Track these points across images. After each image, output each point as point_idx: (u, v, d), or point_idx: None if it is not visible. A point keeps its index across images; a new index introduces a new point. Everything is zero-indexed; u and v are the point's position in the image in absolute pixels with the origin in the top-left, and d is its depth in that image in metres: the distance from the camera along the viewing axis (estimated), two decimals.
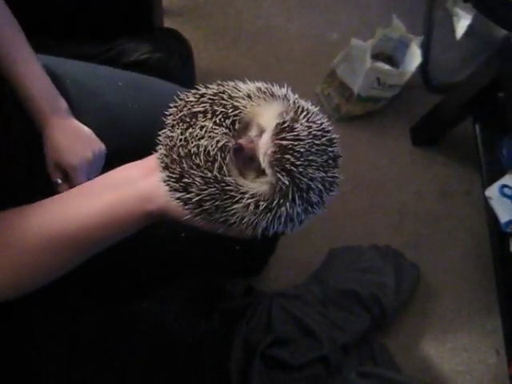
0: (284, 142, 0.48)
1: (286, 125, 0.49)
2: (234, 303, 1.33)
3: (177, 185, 0.51)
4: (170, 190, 0.52)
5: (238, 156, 0.50)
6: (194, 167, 0.50)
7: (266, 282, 1.44)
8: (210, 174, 0.50)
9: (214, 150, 0.50)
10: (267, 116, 0.51)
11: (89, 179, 0.78)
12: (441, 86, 1.64)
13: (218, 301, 1.32)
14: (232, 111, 0.52)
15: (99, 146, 0.79)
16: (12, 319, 0.67)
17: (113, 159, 0.81)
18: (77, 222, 0.55)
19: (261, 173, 0.51)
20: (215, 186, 0.50)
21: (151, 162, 0.57)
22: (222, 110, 0.52)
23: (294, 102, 0.52)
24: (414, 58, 1.40)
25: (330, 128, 0.52)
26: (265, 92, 0.52)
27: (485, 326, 1.47)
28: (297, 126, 0.49)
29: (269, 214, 0.50)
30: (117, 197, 0.55)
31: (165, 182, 0.53)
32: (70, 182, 0.76)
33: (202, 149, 0.50)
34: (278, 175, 0.48)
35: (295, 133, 0.48)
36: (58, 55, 0.86)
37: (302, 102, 0.53)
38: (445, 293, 1.49)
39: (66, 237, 0.55)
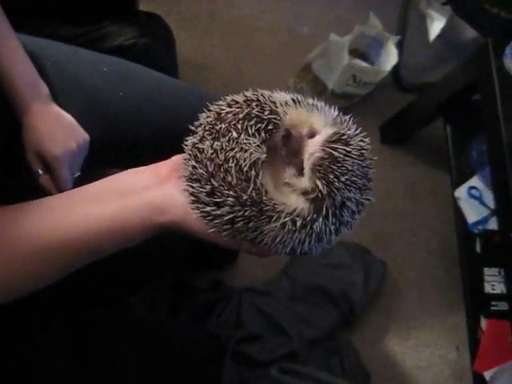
0: (335, 153, 0.46)
1: (343, 137, 0.47)
2: (202, 297, 1.31)
3: (207, 199, 0.48)
4: (198, 203, 0.49)
5: (283, 143, 0.48)
6: (227, 186, 0.47)
7: (234, 277, 1.42)
8: (245, 196, 0.47)
9: (246, 165, 0.47)
10: (318, 122, 0.49)
11: (71, 171, 0.73)
12: (410, 86, 1.66)
13: (187, 295, 1.30)
14: (269, 115, 0.49)
15: (83, 135, 0.73)
16: (12, 319, 0.63)
17: (96, 150, 0.76)
18: (77, 230, 0.51)
19: (298, 172, 0.49)
20: (251, 208, 0.47)
21: (163, 169, 0.53)
22: (258, 112, 0.48)
23: (338, 115, 0.50)
24: (391, 57, 1.40)
25: (370, 150, 0.50)
26: (302, 102, 0.50)
27: (446, 322, 1.51)
28: (352, 142, 0.47)
29: (303, 231, 0.47)
30: (125, 205, 0.51)
31: (192, 194, 0.49)
32: (52, 173, 0.71)
33: (232, 164, 0.47)
34: (318, 182, 0.46)
35: (349, 148, 0.46)
36: (33, 35, 0.80)
37: (346, 117, 0.51)
38: (409, 290, 1.51)
39: (62, 245, 0.51)
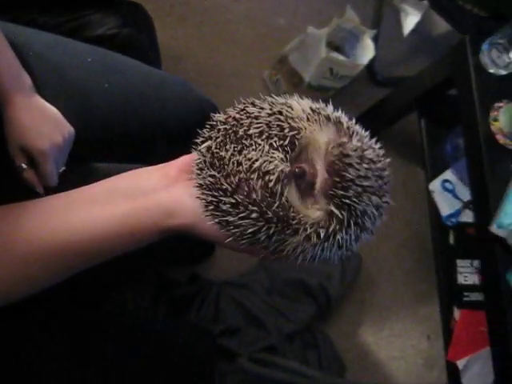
0: (336, 167, 0.45)
1: (338, 151, 0.46)
2: (179, 291, 1.29)
3: (230, 210, 0.46)
4: (217, 211, 0.47)
5: (298, 182, 0.47)
6: (251, 201, 0.45)
7: (210, 270, 1.41)
8: (270, 214, 0.45)
9: (272, 181, 0.45)
10: (322, 141, 0.48)
11: (57, 166, 0.70)
12: (384, 80, 1.67)
13: (164, 289, 1.28)
14: (289, 132, 0.47)
15: (68, 128, 0.70)
16: (12, 319, 0.60)
17: (81, 144, 0.73)
18: (80, 233, 0.48)
19: (317, 200, 0.48)
20: (276, 224, 0.46)
21: (172, 170, 0.51)
22: (279, 132, 0.47)
23: (348, 127, 0.48)
24: (367, 51, 1.41)
25: (382, 152, 0.49)
26: (319, 113, 0.49)
27: (418, 313, 1.54)
28: (351, 153, 0.46)
29: (326, 243, 0.47)
30: (134, 207, 0.49)
31: (211, 203, 0.47)
32: (37, 167, 0.68)
33: (257, 178, 0.45)
34: (332, 208, 0.46)
35: (348, 161, 0.45)
36: (11, 23, 0.76)
37: (356, 127, 0.49)
38: (383, 282, 1.54)
39: (64, 248, 0.48)
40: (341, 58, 1.36)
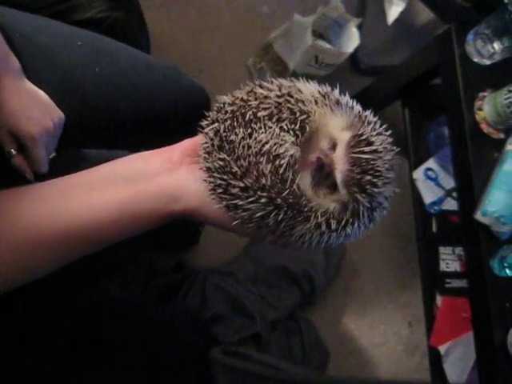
0: (361, 159, 0.44)
1: (362, 138, 0.45)
2: (165, 279, 1.28)
3: (240, 193, 0.45)
4: (225, 195, 0.46)
5: (315, 174, 0.46)
6: (260, 186, 0.44)
7: (195, 258, 1.40)
8: (279, 200, 0.44)
9: (282, 166, 0.44)
10: (336, 126, 0.47)
11: (47, 151, 0.68)
12: (367, 69, 1.68)
13: (149, 277, 1.26)
14: (300, 116, 0.46)
15: (58, 113, 0.68)
16: (10, 319, 0.58)
17: (70, 129, 0.71)
18: (78, 219, 0.47)
19: (333, 189, 0.46)
20: (286, 210, 0.45)
21: (174, 154, 0.49)
22: (290, 115, 0.46)
23: (359, 113, 0.48)
24: (352, 40, 1.41)
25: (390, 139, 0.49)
26: (328, 97, 0.47)
27: (399, 300, 1.56)
28: (372, 139, 0.45)
29: (335, 233, 0.46)
30: (135, 192, 0.47)
31: (219, 186, 0.46)
32: (27, 153, 0.66)
33: (267, 162, 0.44)
34: (358, 196, 0.45)
35: (373, 147, 0.45)
36: None
37: (367, 112, 0.49)
38: (366, 270, 1.55)
39: (62, 235, 0.47)
40: (327, 46, 1.35)
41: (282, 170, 0.44)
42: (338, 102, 0.48)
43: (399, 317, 1.55)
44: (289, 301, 1.35)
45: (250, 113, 0.46)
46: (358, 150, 0.45)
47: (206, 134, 0.48)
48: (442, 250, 1.38)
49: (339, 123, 0.47)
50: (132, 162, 0.51)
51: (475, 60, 1.13)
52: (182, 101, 0.81)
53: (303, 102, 0.47)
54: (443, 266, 1.37)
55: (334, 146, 0.47)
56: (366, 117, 0.48)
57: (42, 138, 0.65)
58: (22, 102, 0.64)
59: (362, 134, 0.45)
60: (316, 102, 0.47)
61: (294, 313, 1.38)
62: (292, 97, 0.47)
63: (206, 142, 0.48)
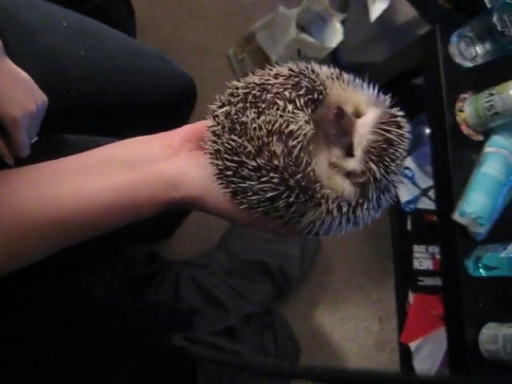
0: (391, 136, 0.44)
1: (395, 118, 0.45)
2: (137, 271, 1.26)
3: (251, 173, 0.44)
4: (234, 177, 0.45)
5: (334, 121, 0.44)
6: (273, 167, 0.43)
7: (167, 249, 1.38)
8: (292, 182, 0.43)
9: (296, 148, 0.42)
10: (360, 101, 0.46)
11: (29, 135, 0.65)
12: (348, 65, 1.67)
13: (122, 269, 1.24)
14: (318, 87, 0.45)
15: (41, 96, 0.65)
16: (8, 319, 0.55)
17: (53, 114, 0.68)
18: (73, 205, 0.45)
19: (346, 153, 0.46)
20: (298, 194, 0.43)
21: (174, 139, 0.48)
22: (305, 91, 0.44)
23: (374, 92, 0.48)
24: (336, 35, 1.40)
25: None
26: (342, 77, 0.47)
27: (371, 296, 1.57)
28: (403, 124, 0.45)
29: (345, 216, 0.45)
30: (133, 178, 0.45)
31: (229, 168, 0.45)
32: (8, 137, 0.62)
33: (280, 142, 0.42)
34: (372, 165, 0.44)
35: (402, 131, 0.44)
36: None
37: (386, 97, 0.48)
38: (339, 265, 1.56)
39: (54, 221, 0.44)
40: (310, 39, 1.34)
41: (296, 152, 0.43)
42: (354, 81, 0.47)
43: (370, 312, 1.56)
44: (263, 295, 1.35)
45: (264, 94, 0.45)
46: (389, 128, 0.44)
47: (216, 116, 0.47)
48: (416, 248, 1.39)
49: (365, 98, 0.47)
50: (131, 146, 0.49)
51: (457, 61, 1.14)
52: (169, 89, 0.79)
53: (318, 77, 0.46)
54: (416, 264, 1.39)
55: (358, 115, 0.46)
56: (386, 99, 0.48)
57: (25, 121, 0.62)
58: (4, 83, 0.61)
59: (395, 115, 0.45)
60: (333, 80, 0.46)
61: (267, 307, 1.38)
62: (305, 75, 0.45)
63: (215, 125, 0.47)
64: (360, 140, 0.45)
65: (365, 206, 0.46)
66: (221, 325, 1.24)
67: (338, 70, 0.48)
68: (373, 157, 0.44)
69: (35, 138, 0.66)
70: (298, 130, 0.43)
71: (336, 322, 1.52)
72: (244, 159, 0.44)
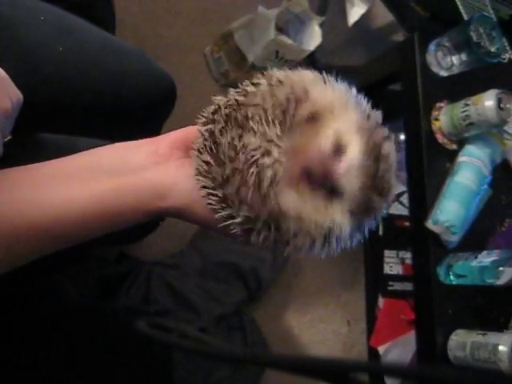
0: (381, 170, 0.41)
1: (382, 152, 0.41)
2: (108, 271, 1.23)
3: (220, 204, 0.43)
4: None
5: (312, 163, 0.42)
6: (239, 199, 0.42)
7: (138, 250, 1.35)
8: (262, 217, 0.41)
9: (264, 185, 0.40)
10: (346, 126, 0.42)
11: (3, 134, 0.61)
12: (324, 68, 1.67)
13: (92, 269, 1.21)
14: (291, 104, 0.42)
15: (16, 93, 0.61)
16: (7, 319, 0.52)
17: (27, 112, 0.65)
18: (56, 212, 0.43)
19: (332, 194, 0.42)
20: (267, 229, 0.42)
21: (161, 146, 0.46)
22: (281, 103, 0.42)
23: (366, 111, 0.44)
24: (314, 38, 1.40)
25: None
26: (330, 82, 0.45)
27: (340, 299, 1.58)
28: (390, 152, 0.42)
29: (333, 244, 0.44)
30: (119, 186, 0.44)
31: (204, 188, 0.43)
32: None
33: (251, 176, 0.40)
34: (374, 198, 0.42)
35: (389, 162, 0.41)
36: None
37: (373, 112, 0.45)
38: (310, 267, 1.56)
39: (34, 229, 0.42)
40: (289, 41, 1.34)
41: (265, 185, 0.41)
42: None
43: (339, 315, 1.57)
44: (235, 297, 1.34)
45: (239, 114, 0.43)
46: (374, 164, 0.41)
47: (202, 132, 0.45)
48: (386, 253, 1.41)
49: (350, 121, 0.44)
50: (115, 151, 0.47)
51: (434, 70, 1.16)
52: (150, 90, 0.77)
53: (296, 84, 0.44)
54: (387, 269, 1.41)
55: (340, 149, 0.42)
56: (375, 114, 0.45)
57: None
58: None
59: (377, 145, 0.42)
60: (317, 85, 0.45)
61: (238, 308, 1.37)
62: (282, 83, 0.44)
63: (200, 141, 0.45)
64: (349, 181, 0.42)
65: (357, 236, 0.45)
66: (192, 326, 1.22)
67: (327, 77, 0.48)
68: (363, 205, 0.43)
69: (9, 137, 0.63)
70: (273, 164, 0.41)
71: (305, 324, 1.52)
72: (211, 189, 0.43)
